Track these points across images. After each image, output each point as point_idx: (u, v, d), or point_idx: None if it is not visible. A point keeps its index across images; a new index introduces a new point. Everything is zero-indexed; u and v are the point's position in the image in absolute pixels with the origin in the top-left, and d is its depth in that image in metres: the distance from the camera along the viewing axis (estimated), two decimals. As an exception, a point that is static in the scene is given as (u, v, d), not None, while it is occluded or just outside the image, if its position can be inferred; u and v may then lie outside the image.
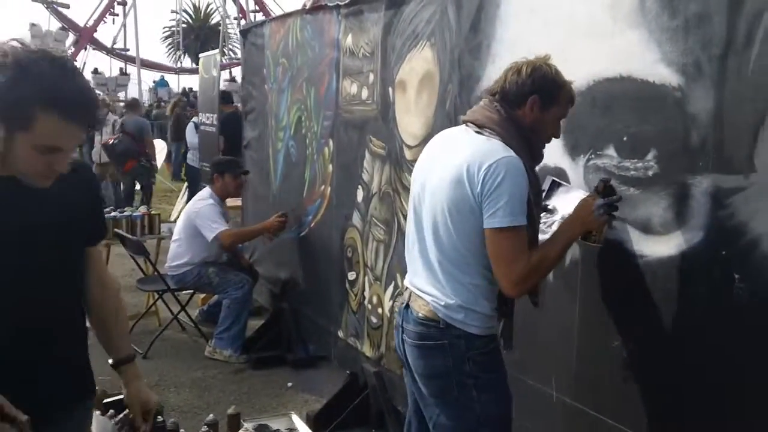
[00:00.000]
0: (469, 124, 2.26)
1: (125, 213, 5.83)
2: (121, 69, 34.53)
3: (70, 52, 35.53)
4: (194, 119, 10.45)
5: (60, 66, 1.54)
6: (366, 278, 4.13)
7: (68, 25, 34.78)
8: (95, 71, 34.27)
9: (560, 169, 2.59)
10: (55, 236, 1.70)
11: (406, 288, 2.37)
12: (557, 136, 2.32)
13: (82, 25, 35.22)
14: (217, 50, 9.73)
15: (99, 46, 37.32)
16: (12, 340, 1.66)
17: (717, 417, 2.05)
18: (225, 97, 9.55)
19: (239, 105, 7.93)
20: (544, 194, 2.42)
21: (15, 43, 1.53)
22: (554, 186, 2.49)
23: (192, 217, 5.07)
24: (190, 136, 10.09)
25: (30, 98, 1.49)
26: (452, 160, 2.19)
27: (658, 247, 2.20)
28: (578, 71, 2.45)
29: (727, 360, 2.01)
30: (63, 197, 1.69)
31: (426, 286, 2.26)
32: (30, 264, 1.67)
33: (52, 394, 1.76)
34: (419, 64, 3.53)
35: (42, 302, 1.70)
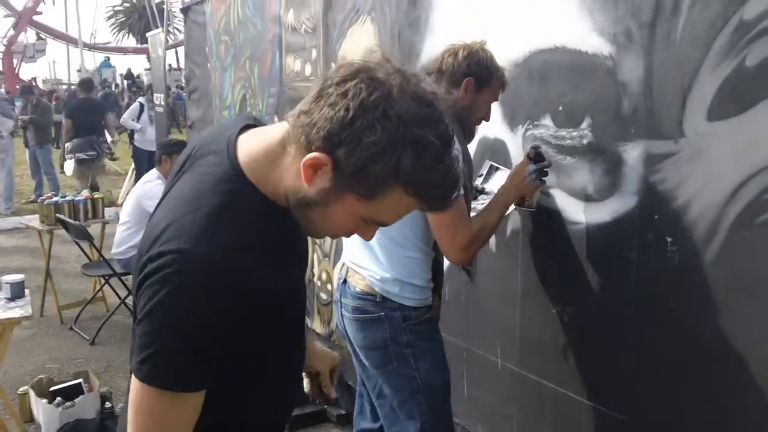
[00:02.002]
0: None
1: (67, 198, 5.71)
2: (37, 34, 33.64)
3: (9, 34, 34.65)
4: (140, 99, 10.32)
5: (443, 140, 1.15)
6: (315, 255, 4.13)
7: (8, 9, 33.82)
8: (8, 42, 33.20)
9: (500, 140, 2.62)
10: None
11: (343, 264, 2.40)
12: (487, 119, 2.39)
13: (19, 8, 34.26)
14: (160, 29, 9.57)
15: (40, 28, 36.35)
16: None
17: (654, 377, 2.11)
18: (86, 84, 10.59)
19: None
20: (482, 178, 2.49)
21: (400, 82, 1.11)
22: (492, 170, 2.56)
23: (140, 200, 5.00)
24: (134, 116, 9.97)
25: (394, 173, 1.09)
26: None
27: (594, 213, 2.24)
28: (514, 43, 2.48)
29: (662, 320, 2.06)
30: None
31: (363, 261, 2.29)
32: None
33: None
34: (361, 39, 3.51)
35: None
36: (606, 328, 2.26)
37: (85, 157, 9.42)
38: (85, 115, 9.70)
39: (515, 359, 2.66)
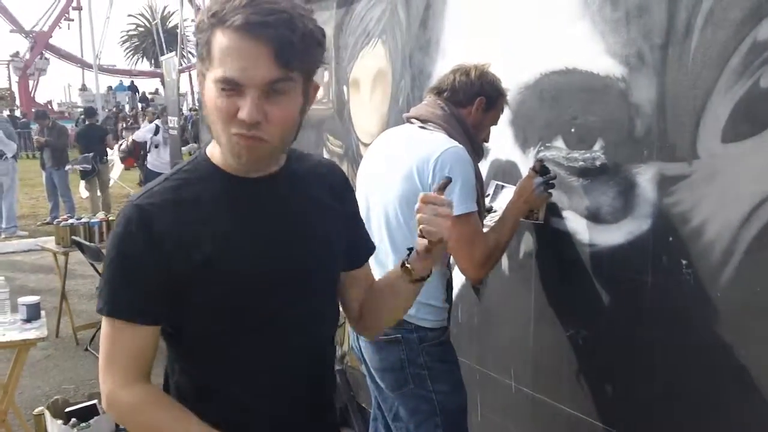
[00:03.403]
0: (412, 120, 2.32)
1: (82, 220, 5.76)
2: (42, 54, 34.16)
3: (26, 57, 35.10)
4: (156, 121, 10.43)
5: None
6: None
7: (16, 27, 34.30)
8: (16, 54, 33.65)
9: (511, 162, 2.62)
10: None
11: None
12: (487, 141, 2.44)
13: (28, 29, 34.78)
14: (174, 53, 9.70)
15: (54, 52, 36.80)
16: None
17: (671, 401, 2.08)
18: (89, 112, 12.66)
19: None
20: (489, 198, 2.50)
21: None
22: (498, 189, 2.59)
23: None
24: (148, 137, 10.11)
25: (204, 21, 1.24)
26: (400, 156, 2.23)
27: (607, 235, 2.23)
28: (526, 64, 2.48)
29: (677, 343, 2.04)
30: None
31: (377, 282, 2.29)
32: None
33: None
34: (372, 61, 3.53)
35: None
36: (621, 351, 2.24)
37: (81, 168, 10.90)
38: (88, 138, 11.24)
39: (529, 382, 2.64)
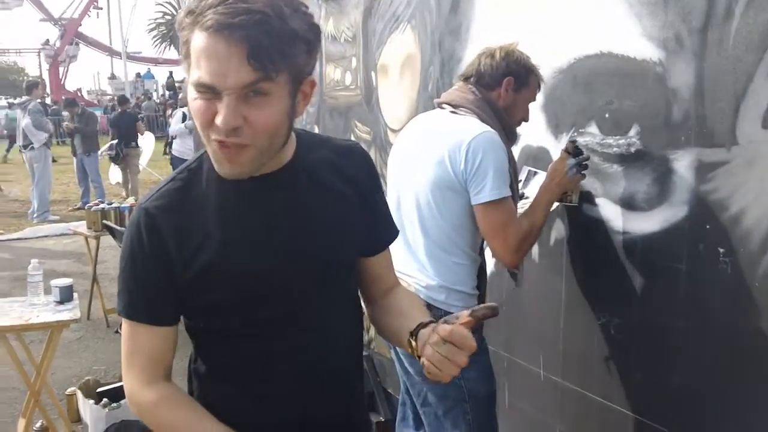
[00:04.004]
0: (443, 105, 2.30)
1: (113, 205, 5.81)
2: (72, 41, 34.51)
3: (56, 45, 35.48)
4: (183, 109, 10.49)
5: None
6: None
7: (46, 15, 34.70)
8: (47, 42, 34.05)
9: (543, 147, 2.59)
10: None
11: None
12: (527, 120, 2.38)
13: (57, 16, 35.17)
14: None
15: (84, 39, 37.14)
16: None
17: (702, 392, 2.05)
18: (121, 99, 13.56)
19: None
20: (521, 184, 2.48)
21: None
22: (530, 175, 2.56)
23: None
24: (176, 125, 10.22)
25: (181, 24, 1.20)
26: (431, 141, 2.22)
27: (642, 222, 2.19)
28: (559, 49, 2.44)
29: (712, 334, 2.01)
30: None
31: (407, 268, 2.27)
32: None
33: None
34: (401, 47, 3.50)
35: None
36: (653, 341, 2.20)
37: (108, 154, 11.48)
38: (120, 125, 11.86)
39: (558, 370, 2.61)
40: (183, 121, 10.13)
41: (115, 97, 17.38)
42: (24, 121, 10.32)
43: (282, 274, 1.33)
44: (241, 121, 1.16)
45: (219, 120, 1.15)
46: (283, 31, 1.14)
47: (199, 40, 1.15)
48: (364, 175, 1.47)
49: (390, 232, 1.57)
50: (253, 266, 1.31)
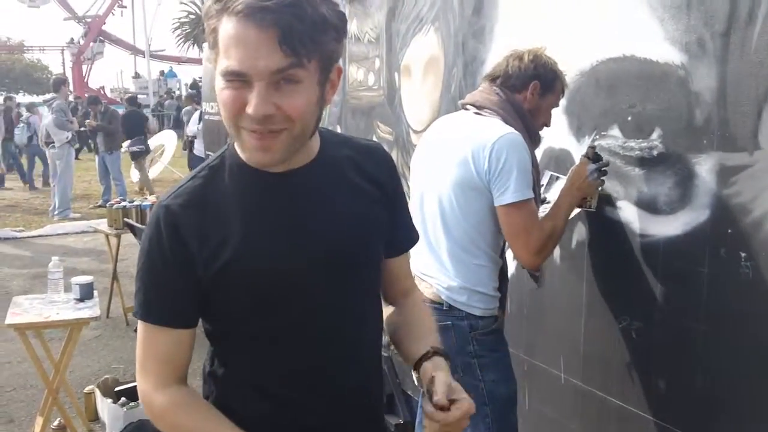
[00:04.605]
0: (468, 106, 2.30)
1: (134, 203, 5.86)
2: (98, 39, 34.78)
3: (80, 43, 35.82)
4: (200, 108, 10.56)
5: None
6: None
7: (71, 14, 35.02)
8: (71, 41, 34.30)
9: (565, 150, 2.59)
10: None
11: None
12: (548, 125, 2.39)
13: (81, 14, 35.50)
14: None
15: (107, 38, 37.47)
16: None
17: (723, 396, 2.04)
18: (131, 100, 13.97)
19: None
20: (543, 188, 2.48)
21: None
22: (552, 179, 2.56)
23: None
24: (194, 125, 10.28)
25: (209, 12, 1.17)
26: (454, 142, 2.23)
27: (663, 226, 2.19)
28: (582, 51, 2.45)
29: (733, 338, 2.00)
30: None
31: (429, 269, 2.28)
32: None
33: None
34: (424, 48, 3.52)
35: None
36: (674, 345, 2.20)
37: (136, 149, 11.64)
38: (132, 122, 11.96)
39: (579, 374, 2.61)
40: (200, 120, 10.19)
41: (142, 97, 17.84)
42: (46, 119, 10.39)
43: (309, 271, 1.30)
44: (273, 109, 1.14)
45: (251, 108, 1.13)
46: (314, 17, 1.12)
47: (228, 26, 1.12)
48: (387, 176, 1.45)
49: (411, 235, 1.56)
50: (279, 263, 1.28)
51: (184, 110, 13.19)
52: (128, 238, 5.79)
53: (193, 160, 10.46)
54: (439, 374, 1.37)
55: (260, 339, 1.33)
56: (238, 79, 1.13)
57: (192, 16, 24.02)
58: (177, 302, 1.29)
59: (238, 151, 1.28)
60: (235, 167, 1.29)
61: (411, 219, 1.57)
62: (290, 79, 1.13)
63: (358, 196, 1.38)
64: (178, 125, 16.30)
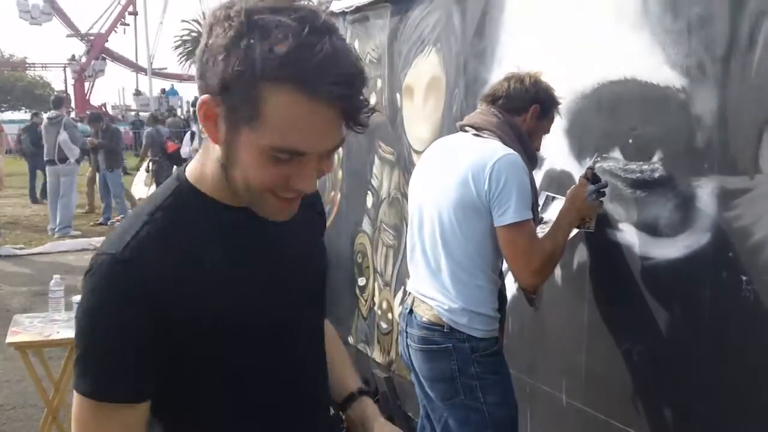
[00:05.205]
0: (466, 128, 2.32)
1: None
2: (100, 56, 34.96)
3: (82, 60, 36.01)
4: (193, 128, 10.61)
5: (302, 21, 0.96)
6: (376, 284, 4.14)
7: (73, 31, 35.21)
8: (73, 57, 34.42)
9: (566, 172, 2.59)
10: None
11: (409, 293, 2.40)
12: (539, 149, 2.42)
13: (83, 31, 35.72)
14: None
15: (110, 55, 37.65)
16: None
17: (727, 419, 2.04)
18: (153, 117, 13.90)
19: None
20: (540, 208, 2.48)
21: None
22: (548, 200, 2.57)
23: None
24: (187, 146, 10.33)
25: (250, 67, 0.95)
26: (454, 163, 2.24)
27: (665, 249, 2.19)
28: (583, 74, 2.46)
29: (736, 362, 2.00)
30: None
31: (429, 290, 2.29)
32: None
33: None
34: (426, 69, 3.53)
35: None
36: (676, 367, 2.19)
37: (156, 159, 11.87)
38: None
39: (581, 396, 2.60)
40: (192, 139, 10.22)
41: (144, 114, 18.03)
42: (61, 135, 10.34)
43: (288, 307, 1.20)
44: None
45: (303, 184, 1.04)
46: (365, 82, 1.02)
47: (291, 102, 0.97)
48: (321, 204, 1.40)
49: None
50: (266, 302, 1.16)
51: (146, 133, 12.83)
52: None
53: None
54: (378, 424, 1.34)
55: (220, 379, 1.15)
56: (290, 156, 1.01)
57: (194, 34, 24.13)
58: (141, 373, 1.08)
59: (212, 183, 1.12)
60: (199, 204, 1.13)
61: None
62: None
63: (310, 221, 1.31)
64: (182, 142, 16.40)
